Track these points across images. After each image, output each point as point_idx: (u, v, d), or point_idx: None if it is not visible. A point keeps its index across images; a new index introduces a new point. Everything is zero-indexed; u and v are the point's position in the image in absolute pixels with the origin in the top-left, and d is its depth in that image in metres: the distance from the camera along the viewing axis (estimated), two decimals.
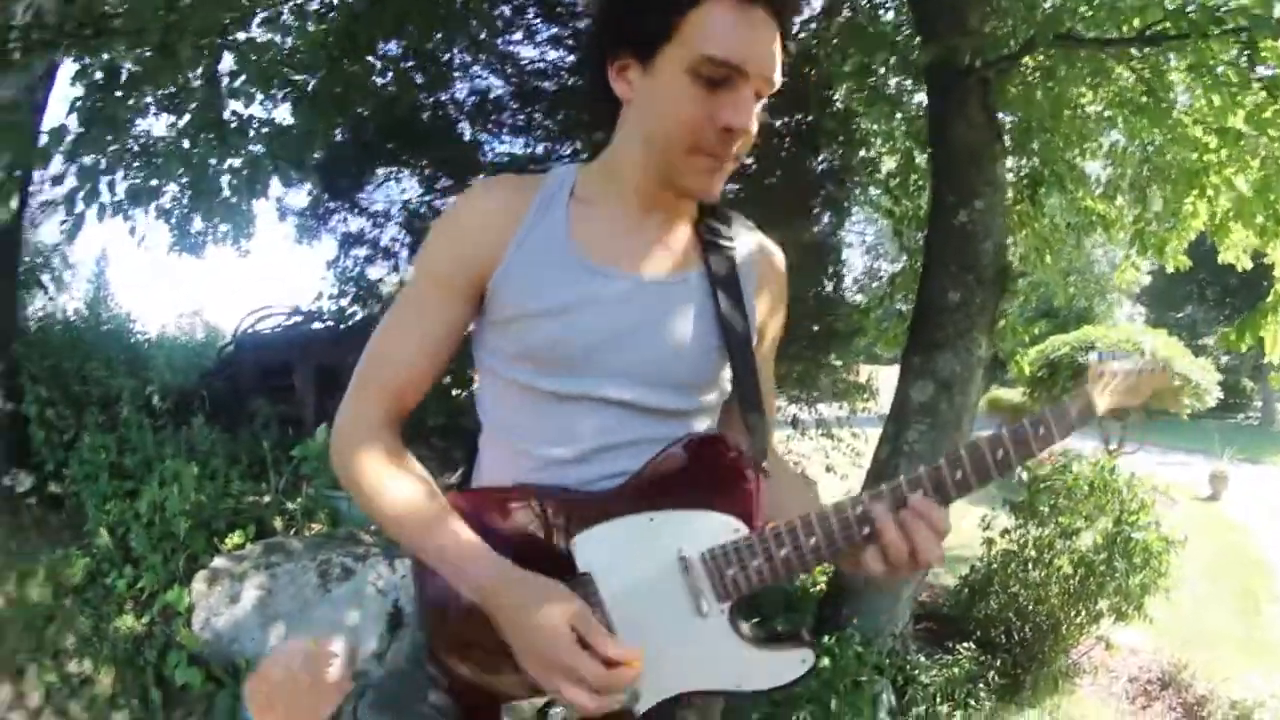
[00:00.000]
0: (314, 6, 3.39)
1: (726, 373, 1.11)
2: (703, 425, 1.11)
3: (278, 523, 3.65)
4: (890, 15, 4.26)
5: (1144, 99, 3.24)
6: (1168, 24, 2.69)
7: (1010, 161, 4.18)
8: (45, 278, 5.79)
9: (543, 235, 1.04)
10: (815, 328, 5.07)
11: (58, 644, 2.91)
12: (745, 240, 1.15)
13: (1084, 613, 3.56)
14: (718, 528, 0.99)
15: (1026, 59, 3.50)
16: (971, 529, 4.04)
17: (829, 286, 5.30)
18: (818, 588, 4.09)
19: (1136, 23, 2.92)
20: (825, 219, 5.18)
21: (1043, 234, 4.18)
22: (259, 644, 3.10)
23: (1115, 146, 4.00)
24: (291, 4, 3.31)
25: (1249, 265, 3.69)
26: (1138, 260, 3.98)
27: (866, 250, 6.15)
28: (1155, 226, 3.89)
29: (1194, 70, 2.88)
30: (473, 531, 0.98)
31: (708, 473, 1.01)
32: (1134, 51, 2.98)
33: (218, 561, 3.31)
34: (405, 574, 3.33)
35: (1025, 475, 3.93)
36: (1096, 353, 1.08)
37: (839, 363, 5.55)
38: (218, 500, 3.54)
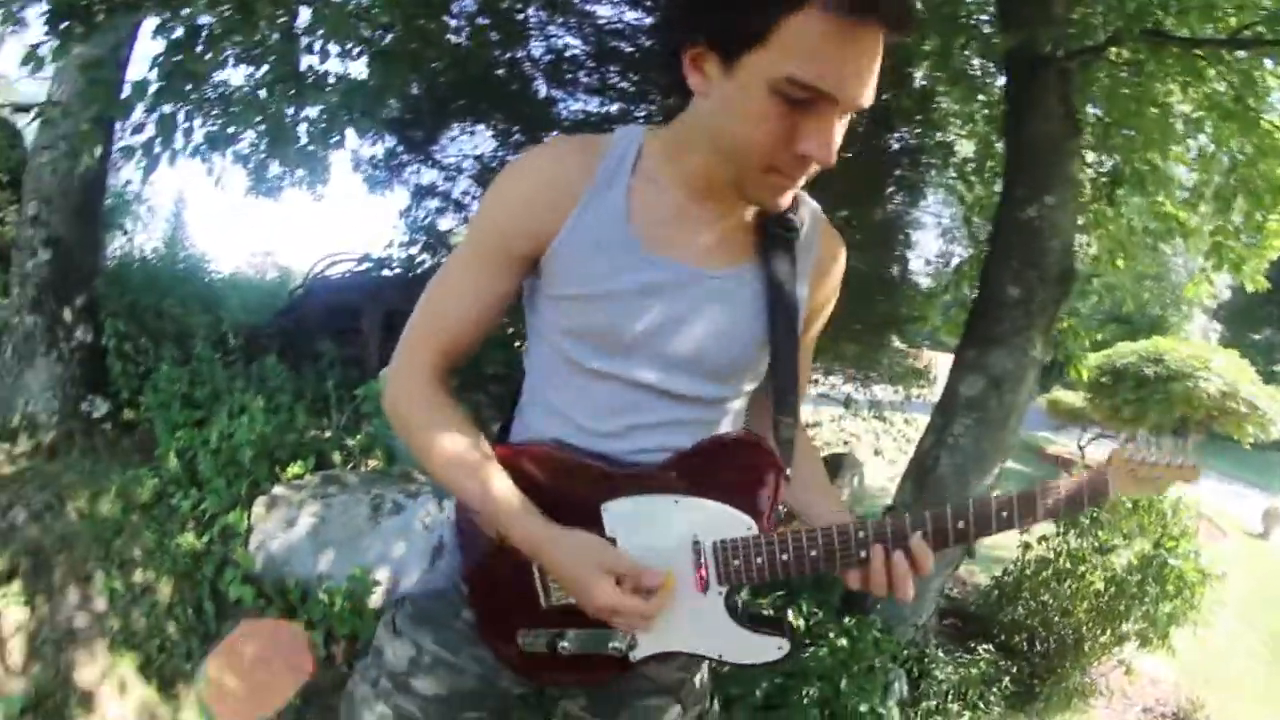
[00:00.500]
0: None
1: (765, 364, 1.13)
2: (732, 410, 1.15)
3: (336, 457, 3.84)
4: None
5: (1234, 105, 3.01)
6: (1262, 28, 2.50)
7: (1090, 156, 3.97)
8: (125, 220, 6.12)
9: (601, 214, 1.04)
10: (878, 309, 4.97)
11: (123, 555, 3.18)
12: (808, 230, 1.13)
13: (1109, 633, 3.49)
14: (733, 522, 1.07)
15: (1114, 52, 3.29)
16: (1011, 531, 3.97)
17: (895, 269, 5.17)
18: None
19: (1233, 23, 2.72)
20: (898, 199, 5.03)
21: (1118, 236, 3.96)
22: (309, 568, 3.32)
23: (1203, 151, 3.73)
24: None
25: None
26: (1212, 274, 3.73)
27: (942, 234, 5.93)
28: (1235, 241, 3.63)
29: None
30: (511, 482, 1.05)
31: (738, 471, 1.08)
32: (1225, 54, 2.77)
33: (277, 489, 3.53)
34: (451, 513, 3.52)
35: None
36: (1126, 437, 1.09)
37: (901, 345, 5.43)
38: (282, 432, 3.76)
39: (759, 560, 1.06)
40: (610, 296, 1.03)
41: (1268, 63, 2.87)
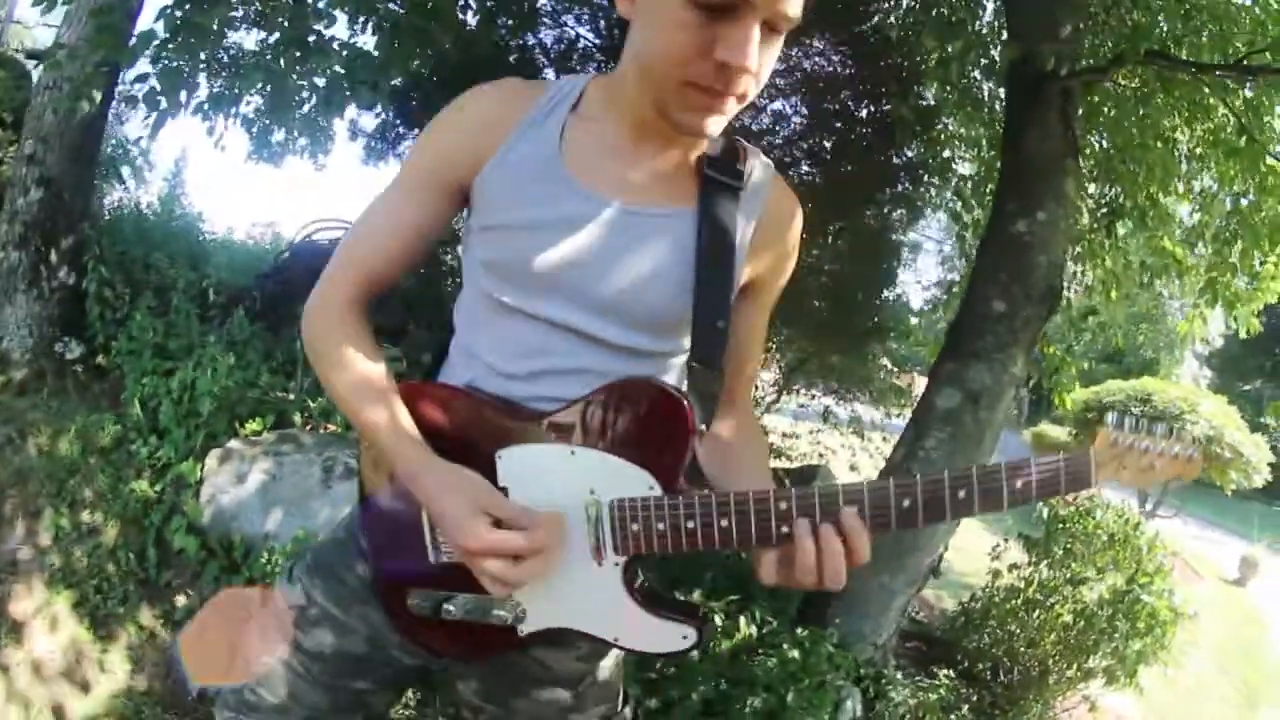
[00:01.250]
0: None
1: (688, 314, 1.04)
2: (672, 367, 1.07)
3: (297, 419, 3.81)
4: (989, 16, 4.03)
5: (1238, 139, 2.97)
6: (1269, 55, 2.47)
7: (1092, 188, 3.93)
8: (125, 170, 6.12)
9: (532, 145, 1.01)
10: (862, 319, 4.92)
11: (75, 495, 3.14)
12: (756, 181, 1.06)
13: (1075, 667, 3.38)
14: (633, 479, 0.96)
15: (1123, 80, 3.27)
16: (980, 555, 3.88)
17: (884, 282, 5.12)
18: None
19: (1239, 46, 2.69)
20: (894, 213, 4.99)
21: (1114, 269, 3.91)
22: (257, 525, 3.28)
23: (1205, 191, 3.68)
24: None
25: None
26: (1205, 310, 3.66)
27: (942, 261, 5.90)
28: (1230, 278, 3.56)
29: None
30: (409, 415, 1.01)
31: (639, 420, 0.97)
32: (1232, 84, 2.74)
33: (232, 443, 3.49)
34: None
35: (1045, 511, 3.74)
36: (1114, 414, 0.91)
37: (886, 363, 5.38)
38: (245, 388, 3.72)
39: (660, 526, 0.94)
40: (530, 226, 0.99)
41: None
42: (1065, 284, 3.44)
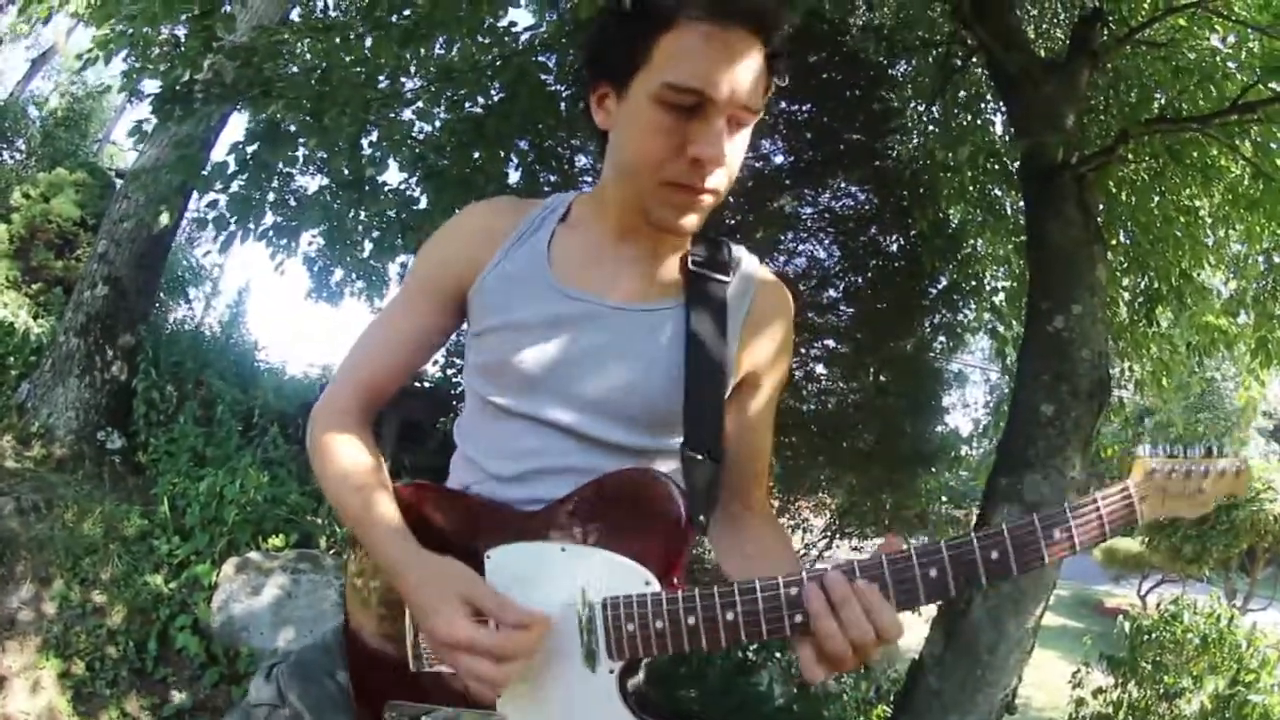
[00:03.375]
0: (449, 94, 3.90)
1: (678, 411, 1.01)
2: (663, 468, 1.01)
3: (322, 543, 3.78)
4: (998, 128, 4.21)
5: (1256, 190, 2.94)
6: (1261, 88, 2.51)
7: (1125, 281, 3.86)
8: (192, 291, 6.62)
9: (523, 254, 1.04)
10: (907, 446, 4.72)
11: (89, 574, 3.12)
12: (743, 273, 1.07)
13: None
14: (628, 575, 0.89)
15: (1134, 162, 3.33)
16: (1059, 684, 3.39)
17: (933, 418, 4.94)
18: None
19: (1227, 90, 2.75)
20: (935, 345, 4.93)
21: (1161, 356, 3.73)
22: (267, 639, 3.18)
23: (1237, 257, 3.58)
24: (428, 93, 3.86)
25: None
26: (1262, 374, 3.39)
27: (990, 389, 5.72)
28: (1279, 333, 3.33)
29: None
30: (396, 508, 0.98)
31: (631, 512, 0.92)
32: (1236, 129, 2.76)
33: (252, 554, 3.47)
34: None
35: (1127, 625, 3.30)
36: (1147, 446, 0.85)
37: (942, 498, 5.06)
38: (272, 504, 3.74)
39: (659, 624, 0.86)
40: (519, 328, 1.00)
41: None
42: (1112, 377, 3.27)
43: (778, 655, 3.96)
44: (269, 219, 3.73)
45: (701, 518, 0.96)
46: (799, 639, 0.84)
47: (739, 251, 1.08)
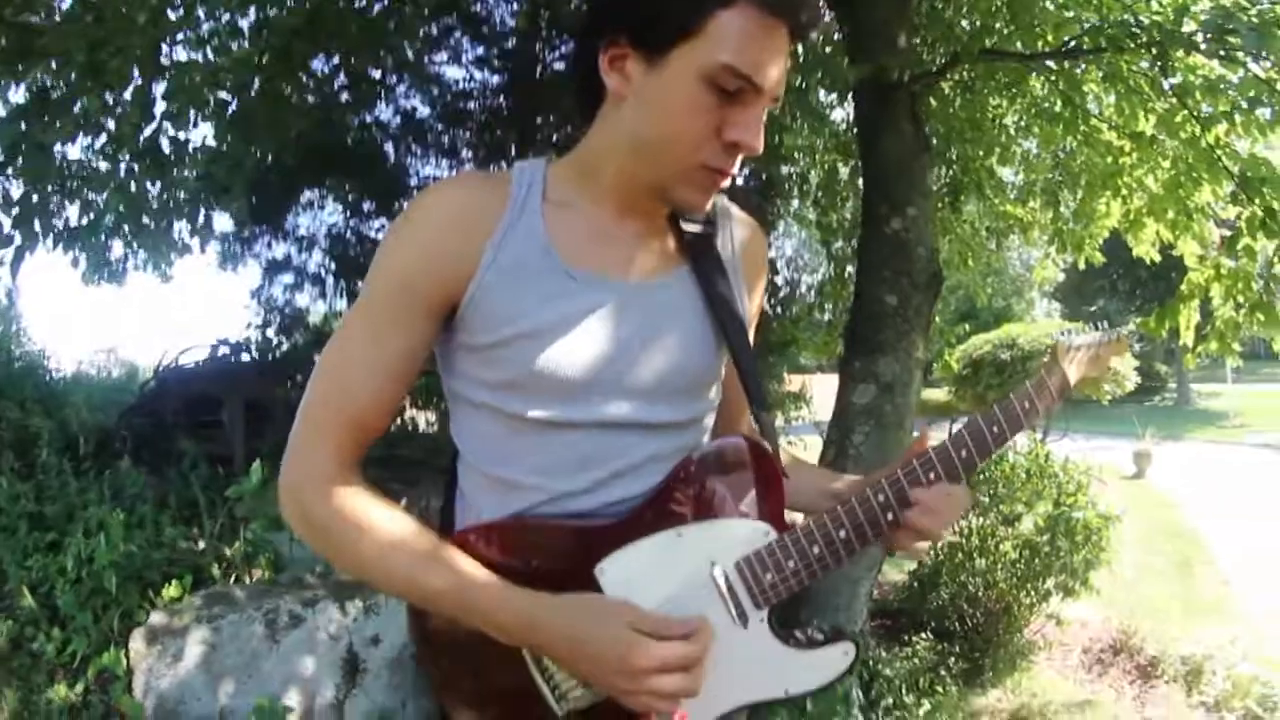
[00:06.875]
0: (246, 23, 3.21)
1: (721, 370, 1.06)
2: (707, 427, 1.06)
3: (216, 571, 3.43)
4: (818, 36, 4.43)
5: (1059, 109, 3.50)
6: (1085, 39, 2.91)
7: (933, 173, 4.41)
8: None
9: (521, 245, 0.93)
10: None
11: None
12: (726, 225, 1.08)
13: (1032, 593, 3.73)
14: (749, 534, 0.96)
15: (950, 76, 3.71)
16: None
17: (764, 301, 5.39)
18: None
19: (1051, 38, 3.15)
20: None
21: (964, 238, 4.42)
22: (209, 705, 2.90)
23: (1028, 154, 4.29)
24: (224, 23, 3.14)
25: (1157, 258, 4.02)
26: (1056, 257, 4.27)
27: (786, 263, 6.34)
28: (1071, 225, 4.19)
29: (1109, 80, 3.14)
30: (478, 563, 0.90)
31: (731, 479, 0.98)
32: (1051, 65, 3.21)
33: (155, 617, 3.05)
34: (357, 616, 3.20)
35: None
36: (1060, 332, 1.14)
37: (765, 374, 5.66)
38: (149, 550, 3.31)
39: (791, 564, 0.95)
40: (541, 332, 0.92)
41: (1083, 68, 3.35)
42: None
43: None
44: (61, 220, 2.96)
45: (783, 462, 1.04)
46: (893, 530, 1.00)
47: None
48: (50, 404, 3.94)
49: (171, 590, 3.16)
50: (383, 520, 0.89)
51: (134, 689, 2.83)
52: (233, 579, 3.43)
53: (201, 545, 3.51)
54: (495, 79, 4.82)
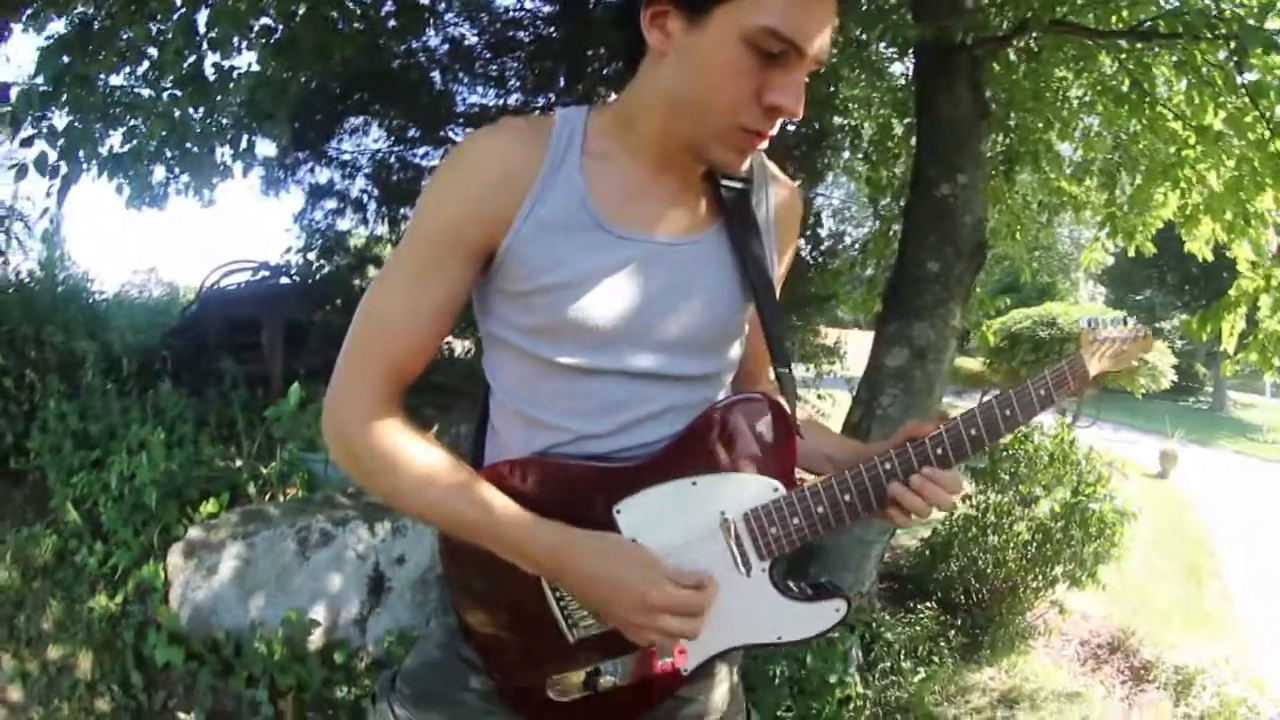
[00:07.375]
0: None
1: (747, 325, 1.09)
2: (726, 382, 1.10)
3: (251, 489, 3.54)
4: None
5: (1126, 89, 3.31)
6: (1160, 21, 2.73)
7: (989, 140, 4.24)
8: None
9: (560, 197, 0.95)
10: (789, 291, 5.11)
11: (30, 631, 2.81)
12: (764, 184, 1.08)
13: (1040, 577, 3.77)
14: (759, 488, 1.01)
15: (1014, 41, 3.52)
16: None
17: (805, 251, 5.33)
18: None
19: (1126, 15, 2.96)
20: (799, 182, 5.15)
21: (1015, 210, 4.27)
22: (240, 617, 3.06)
23: (1089, 130, 4.08)
24: None
25: (1210, 257, 3.86)
26: (1106, 242, 4.12)
27: (832, 214, 6.18)
28: (1126, 211, 4.02)
29: (1181, 68, 2.96)
30: (513, 501, 0.95)
31: (747, 434, 1.02)
32: (1122, 44, 3.03)
33: (192, 533, 3.21)
34: (385, 537, 3.33)
35: None
36: (1087, 319, 1.13)
37: (801, 325, 5.61)
38: (189, 468, 3.42)
39: (795, 521, 1.01)
40: (579, 282, 0.95)
41: (1157, 51, 3.15)
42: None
43: None
44: (105, 146, 3.00)
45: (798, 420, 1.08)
46: (892, 502, 1.03)
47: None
48: (94, 326, 4.05)
49: (209, 507, 3.30)
50: (419, 455, 0.95)
51: (170, 600, 2.99)
52: (268, 497, 3.57)
53: (239, 464, 3.64)
54: (546, 8, 4.68)
